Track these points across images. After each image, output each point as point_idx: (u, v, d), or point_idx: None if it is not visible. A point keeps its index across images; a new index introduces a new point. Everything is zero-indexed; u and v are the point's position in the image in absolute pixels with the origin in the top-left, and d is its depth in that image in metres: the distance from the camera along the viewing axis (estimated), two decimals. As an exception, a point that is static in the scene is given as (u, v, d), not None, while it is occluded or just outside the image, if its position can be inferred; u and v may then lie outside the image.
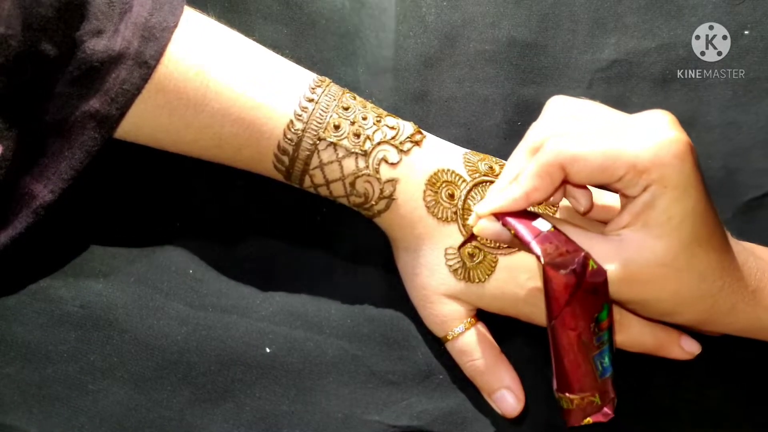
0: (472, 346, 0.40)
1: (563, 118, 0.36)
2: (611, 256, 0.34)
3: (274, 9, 0.45)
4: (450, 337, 0.40)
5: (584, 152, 0.33)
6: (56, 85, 0.36)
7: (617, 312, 0.40)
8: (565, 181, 0.34)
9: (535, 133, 0.36)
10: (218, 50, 0.38)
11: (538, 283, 0.39)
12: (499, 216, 0.35)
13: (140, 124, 0.38)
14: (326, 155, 0.38)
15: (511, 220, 0.34)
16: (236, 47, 0.39)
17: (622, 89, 0.46)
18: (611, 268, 0.33)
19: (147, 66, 0.36)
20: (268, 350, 0.40)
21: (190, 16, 0.38)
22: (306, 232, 0.43)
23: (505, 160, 0.42)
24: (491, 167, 0.41)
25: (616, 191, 0.35)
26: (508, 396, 0.40)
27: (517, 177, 0.34)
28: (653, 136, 0.33)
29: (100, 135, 0.37)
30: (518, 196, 0.34)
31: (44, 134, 0.37)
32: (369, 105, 0.40)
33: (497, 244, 0.39)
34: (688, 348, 0.41)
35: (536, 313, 0.40)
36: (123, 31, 0.36)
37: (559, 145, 0.33)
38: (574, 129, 0.35)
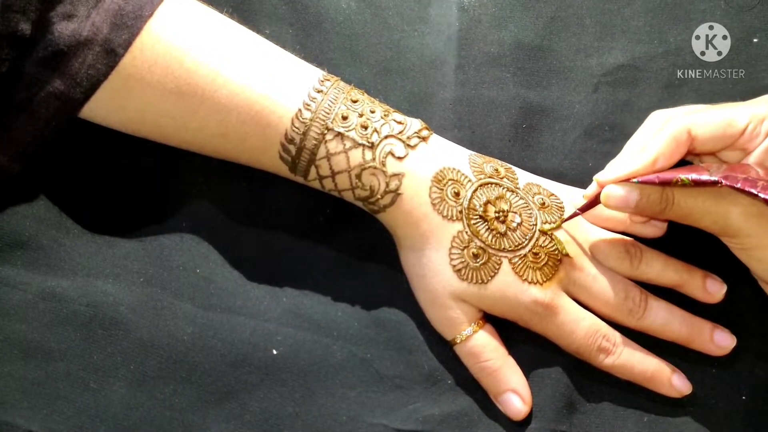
0: (481, 348, 0.39)
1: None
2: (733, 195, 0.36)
3: (280, 9, 0.46)
4: (458, 340, 0.40)
5: (708, 114, 0.37)
6: (26, 65, 0.36)
7: (648, 296, 0.40)
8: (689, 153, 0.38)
9: (659, 113, 0.40)
10: (230, 42, 0.38)
11: (541, 288, 0.39)
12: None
13: (147, 109, 0.38)
14: (333, 145, 0.38)
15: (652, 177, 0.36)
16: (248, 41, 0.39)
17: (629, 93, 0.46)
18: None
19: (114, 54, 0.37)
20: (275, 352, 0.40)
21: (201, 8, 0.39)
22: (311, 233, 0.43)
23: (510, 163, 0.42)
24: (496, 169, 0.41)
25: (741, 150, 0.38)
26: (515, 399, 0.39)
27: (644, 146, 0.37)
28: (762, 97, 0.39)
29: (63, 114, 0.37)
30: (647, 161, 0.37)
31: (10, 111, 0.37)
32: (376, 101, 0.40)
33: (502, 246, 0.39)
34: (722, 342, 0.40)
35: (535, 320, 0.39)
36: (94, 16, 0.37)
37: (685, 113, 0.38)
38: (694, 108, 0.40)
